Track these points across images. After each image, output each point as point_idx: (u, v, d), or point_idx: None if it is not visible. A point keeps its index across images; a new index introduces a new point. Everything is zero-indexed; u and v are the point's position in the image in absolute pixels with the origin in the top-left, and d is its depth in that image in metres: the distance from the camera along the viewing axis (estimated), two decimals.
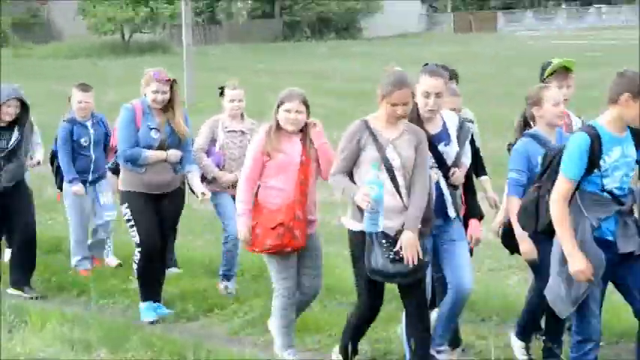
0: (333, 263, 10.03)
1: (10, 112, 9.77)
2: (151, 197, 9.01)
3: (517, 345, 7.40)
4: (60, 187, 11.01)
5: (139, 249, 8.97)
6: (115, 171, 9.58)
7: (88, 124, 10.77)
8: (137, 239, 8.96)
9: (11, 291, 10.03)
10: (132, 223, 8.94)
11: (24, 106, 9.87)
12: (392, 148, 6.73)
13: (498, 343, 7.48)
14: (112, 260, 11.22)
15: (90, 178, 10.83)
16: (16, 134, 9.86)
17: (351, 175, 6.86)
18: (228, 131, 9.69)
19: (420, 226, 6.71)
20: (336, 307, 9.17)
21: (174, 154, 9.05)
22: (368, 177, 6.61)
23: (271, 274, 7.68)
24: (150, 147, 8.96)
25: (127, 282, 10.19)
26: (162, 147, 9.00)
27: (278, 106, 7.48)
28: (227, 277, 9.91)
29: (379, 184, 6.57)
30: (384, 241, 6.63)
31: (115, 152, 9.86)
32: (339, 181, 6.84)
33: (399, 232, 6.67)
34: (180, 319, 9.20)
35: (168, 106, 9.04)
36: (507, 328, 7.98)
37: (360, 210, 6.67)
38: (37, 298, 9.86)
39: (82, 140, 10.72)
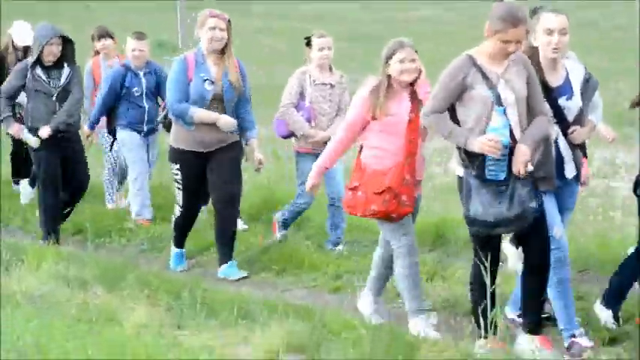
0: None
1: (54, 50, 9.52)
2: (202, 155, 8.48)
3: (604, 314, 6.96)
4: (111, 133, 10.78)
5: (181, 209, 8.72)
6: (167, 125, 9.21)
7: (141, 73, 10.50)
8: (180, 201, 8.65)
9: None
10: (179, 185, 8.58)
11: (67, 44, 9.63)
12: (504, 84, 6.13)
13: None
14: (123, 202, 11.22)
15: (145, 129, 10.59)
16: (66, 71, 9.63)
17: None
18: (317, 84, 9.09)
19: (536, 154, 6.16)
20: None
21: (226, 121, 8.41)
22: (494, 123, 6.03)
23: (386, 236, 7.08)
24: (203, 99, 8.34)
25: (123, 222, 10.20)
26: (217, 100, 8.38)
27: (388, 59, 6.81)
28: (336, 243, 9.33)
29: (506, 127, 6.06)
30: (495, 186, 6.09)
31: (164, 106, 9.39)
32: (441, 123, 6.17)
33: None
34: None
35: (224, 54, 8.43)
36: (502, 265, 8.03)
37: (468, 155, 6.14)
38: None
39: (134, 90, 10.49)
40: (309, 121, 9.03)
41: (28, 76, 9.60)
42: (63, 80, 9.62)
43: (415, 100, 6.87)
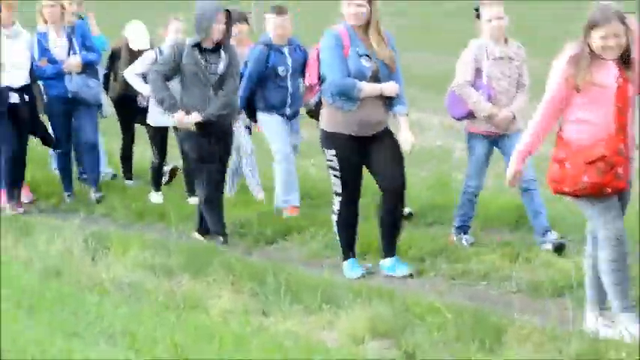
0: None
1: (221, 28, 8.83)
2: (360, 140, 7.83)
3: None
4: (250, 117, 10.17)
5: (340, 199, 7.95)
6: (314, 112, 8.39)
7: (286, 50, 9.71)
8: (339, 190, 7.91)
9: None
10: (336, 173, 7.85)
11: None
12: None
13: (578, 261, 7.38)
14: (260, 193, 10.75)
15: (288, 112, 9.89)
16: (224, 57, 8.92)
17: None
18: (494, 59, 8.31)
19: None
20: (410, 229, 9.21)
21: (391, 86, 7.77)
22: None
23: (589, 220, 6.35)
24: (363, 76, 7.69)
25: None
26: (373, 77, 7.74)
27: (589, 29, 6.13)
28: (464, 228, 8.73)
29: None
30: None
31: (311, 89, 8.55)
32: None
33: None
34: (258, 242, 9.28)
35: (369, 28, 7.75)
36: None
37: None
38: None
39: (280, 69, 9.71)
40: (488, 100, 8.28)
41: (186, 58, 8.85)
42: (222, 67, 8.92)
43: (623, 65, 6.19)
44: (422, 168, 12.91)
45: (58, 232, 8.79)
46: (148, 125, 11.08)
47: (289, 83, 9.75)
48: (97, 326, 6.38)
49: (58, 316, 6.62)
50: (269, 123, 9.89)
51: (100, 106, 11.30)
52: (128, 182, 12.02)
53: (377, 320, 6.41)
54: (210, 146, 9.02)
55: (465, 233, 8.58)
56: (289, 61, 9.72)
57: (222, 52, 8.90)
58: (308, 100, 8.52)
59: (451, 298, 7.09)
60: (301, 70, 9.57)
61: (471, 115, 8.37)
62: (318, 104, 8.14)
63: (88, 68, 10.95)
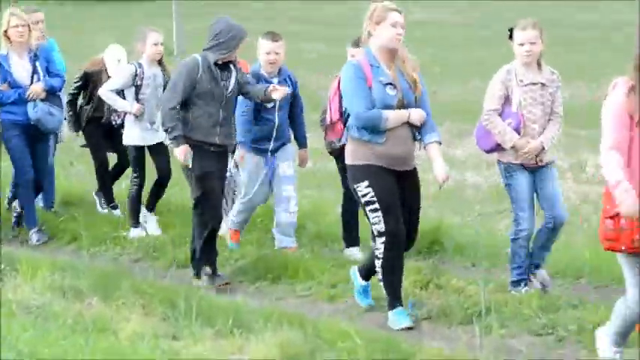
0: (326, 205, 10.05)
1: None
2: (392, 173, 7.18)
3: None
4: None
5: (384, 239, 7.07)
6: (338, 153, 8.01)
7: (275, 81, 8.94)
8: (382, 227, 7.06)
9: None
10: (376, 206, 7.04)
11: None
12: None
13: (488, 288, 7.47)
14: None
15: (271, 146, 9.18)
16: (233, 74, 8.55)
17: None
18: (525, 85, 7.64)
19: None
20: (327, 254, 9.22)
21: (418, 114, 7.22)
22: None
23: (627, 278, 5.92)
24: (389, 107, 7.15)
25: (117, 229, 10.19)
26: (399, 106, 7.21)
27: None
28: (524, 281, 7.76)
29: None
30: None
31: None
32: None
33: None
34: (171, 266, 9.22)
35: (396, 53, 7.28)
36: (497, 273, 8.06)
37: None
38: None
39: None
40: (517, 130, 7.61)
41: (204, 75, 8.38)
42: (232, 84, 8.52)
43: None
44: None
45: None
46: (121, 149, 10.63)
47: (276, 115, 9.14)
48: (4, 349, 6.27)
49: None
50: (248, 163, 9.27)
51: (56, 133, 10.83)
52: (114, 211, 11.16)
53: (287, 345, 6.40)
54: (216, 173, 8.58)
55: (525, 285, 7.70)
56: None
57: (232, 69, 8.53)
58: (331, 139, 7.97)
59: (362, 325, 7.11)
60: (290, 102, 9.19)
61: (499, 147, 7.70)
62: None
63: (50, 94, 10.28)
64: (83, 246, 9.50)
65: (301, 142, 9.49)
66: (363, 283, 7.63)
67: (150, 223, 10.31)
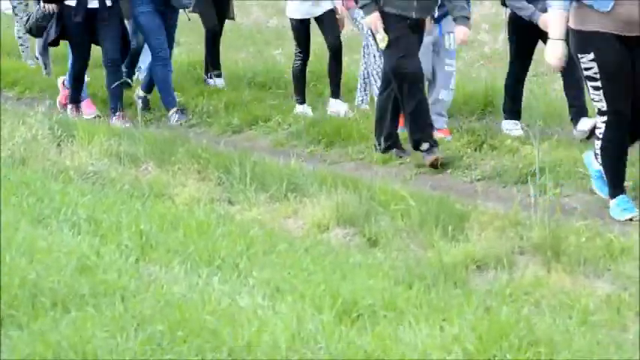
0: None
1: None
2: (624, 40, 6.24)
3: None
4: None
5: (605, 118, 6.33)
6: None
7: None
8: (603, 105, 6.30)
9: None
10: (597, 84, 6.27)
11: None
12: None
13: (543, 147, 7.41)
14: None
15: (436, 13, 8.40)
16: None
17: None
18: None
19: None
20: None
21: None
22: None
23: None
24: None
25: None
26: None
27: None
28: None
29: None
30: None
31: None
32: None
33: None
34: (225, 131, 9.26)
35: None
36: (552, 132, 8.00)
37: None
38: None
39: None
40: None
41: None
42: None
43: None
44: None
45: (22, 119, 8.70)
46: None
47: None
48: (62, 213, 6.37)
49: (23, 203, 6.61)
50: None
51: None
52: (218, 80, 10.81)
53: (342, 208, 6.45)
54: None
55: None
56: None
57: None
58: None
59: (416, 187, 7.12)
60: None
61: None
62: None
63: None
64: (138, 112, 9.52)
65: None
66: (600, 168, 6.65)
67: (339, 105, 9.63)
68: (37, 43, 10.86)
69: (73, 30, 9.58)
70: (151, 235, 5.97)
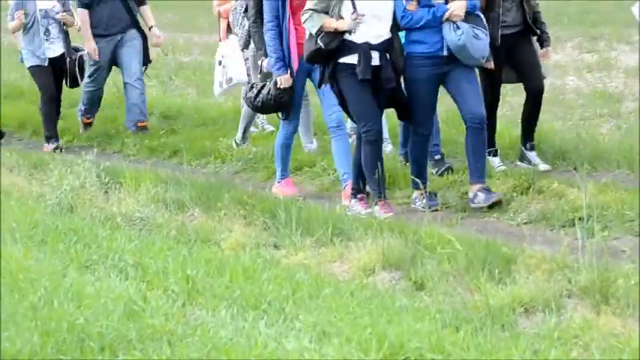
0: None
1: None
2: None
3: None
4: None
5: None
6: None
7: None
8: None
9: None
10: None
11: None
12: None
13: (590, 190, 7.35)
14: None
15: None
16: None
17: None
18: None
19: None
20: None
21: None
22: None
23: None
24: None
25: (217, 142, 10.28)
26: None
27: None
28: None
29: None
30: None
31: None
32: None
33: None
34: (271, 177, 9.29)
35: None
36: (598, 176, 7.94)
37: None
38: None
39: None
40: None
41: None
42: None
43: None
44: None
45: (71, 167, 8.79)
46: None
47: None
48: (109, 259, 6.43)
49: (71, 249, 6.67)
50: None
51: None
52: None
53: (387, 252, 6.44)
54: None
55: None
56: None
57: None
58: None
59: (462, 230, 7.10)
60: None
61: None
62: None
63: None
64: (184, 159, 9.60)
65: None
66: None
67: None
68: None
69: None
70: (197, 280, 6.00)
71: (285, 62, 8.29)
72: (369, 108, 7.73)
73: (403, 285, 6.13)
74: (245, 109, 9.93)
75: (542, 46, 8.53)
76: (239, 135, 10.15)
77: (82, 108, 11.63)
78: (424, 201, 7.70)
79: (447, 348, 4.80)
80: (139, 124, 11.16)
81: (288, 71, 8.30)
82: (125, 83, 11.27)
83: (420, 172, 7.90)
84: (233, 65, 10.17)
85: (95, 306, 5.40)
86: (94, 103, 11.61)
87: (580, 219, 6.74)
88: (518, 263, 6.04)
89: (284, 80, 8.29)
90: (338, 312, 5.37)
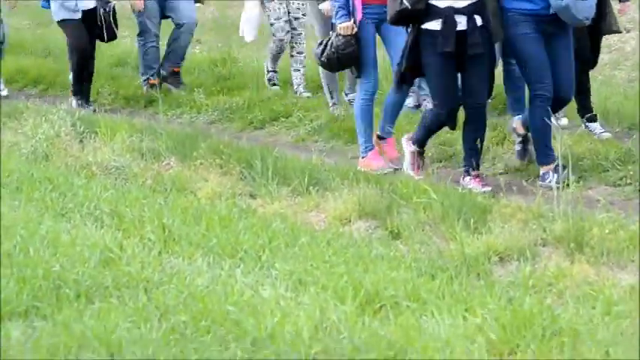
0: None
1: None
2: None
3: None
4: None
5: None
6: None
7: None
8: None
9: None
10: None
11: None
12: None
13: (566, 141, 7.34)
14: None
15: None
16: None
17: None
18: None
19: None
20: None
21: None
22: None
23: None
24: None
25: (193, 93, 10.23)
26: None
27: None
28: None
29: None
30: None
31: None
32: None
33: None
34: (246, 127, 9.28)
35: None
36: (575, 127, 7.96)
37: None
38: None
39: None
40: None
41: None
42: None
43: None
44: None
45: (45, 116, 8.73)
46: None
47: None
48: (85, 207, 6.41)
49: (46, 197, 6.64)
50: None
51: None
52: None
53: (363, 201, 6.45)
54: None
55: None
56: None
57: None
58: None
59: (438, 180, 7.10)
60: None
61: None
62: None
63: None
64: (160, 109, 9.55)
65: None
66: None
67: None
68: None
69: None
70: (173, 228, 6.00)
71: (347, 10, 7.69)
72: (447, 86, 7.11)
73: (379, 234, 6.15)
74: (321, 71, 9.24)
75: (620, 0, 8.13)
76: (327, 97, 9.47)
77: (143, 71, 10.56)
78: (555, 177, 6.73)
79: (423, 296, 4.83)
80: (175, 70, 10.49)
81: (351, 20, 7.70)
82: (178, 24, 10.34)
83: (546, 143, 7.04)
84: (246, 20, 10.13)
85: (71, 253, 5.40)
86: (154, 61, 10.49)
87: (556, 168, 6.76)
88: (493, 213, 6.07)
89: (344, 28, 7.64)
90: (314, 261, 5.38)
